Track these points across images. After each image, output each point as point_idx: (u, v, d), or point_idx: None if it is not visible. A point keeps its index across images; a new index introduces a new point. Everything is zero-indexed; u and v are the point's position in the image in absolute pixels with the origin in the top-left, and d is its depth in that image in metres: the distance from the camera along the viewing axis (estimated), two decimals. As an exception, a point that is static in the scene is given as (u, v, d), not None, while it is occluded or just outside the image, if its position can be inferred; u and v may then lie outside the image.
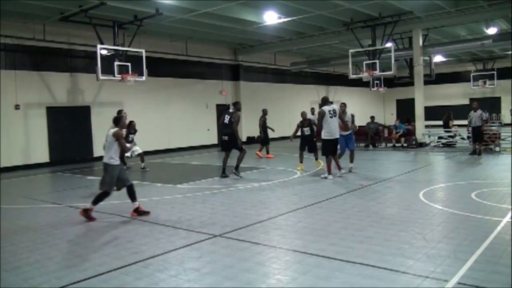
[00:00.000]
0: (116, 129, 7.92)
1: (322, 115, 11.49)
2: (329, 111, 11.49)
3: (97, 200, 7.98)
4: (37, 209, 9.37)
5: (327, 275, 4.77)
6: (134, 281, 4.84)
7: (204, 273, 5.00)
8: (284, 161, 16.23)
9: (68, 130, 18.37)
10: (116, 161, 7.88)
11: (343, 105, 13.10)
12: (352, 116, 13.20)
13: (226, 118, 12.46)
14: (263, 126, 18.23)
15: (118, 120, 8.07)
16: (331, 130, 11.50)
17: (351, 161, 12.77)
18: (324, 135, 11.59)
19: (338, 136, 11.76)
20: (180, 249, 5.93)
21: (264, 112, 18.42)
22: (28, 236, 6.95)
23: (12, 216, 8.65)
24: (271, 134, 18.85)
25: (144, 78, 16.55)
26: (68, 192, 11.42)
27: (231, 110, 12.93)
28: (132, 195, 8.18)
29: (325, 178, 11.62)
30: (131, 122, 14.41)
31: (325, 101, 11.87)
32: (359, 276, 4.69)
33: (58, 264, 5.53)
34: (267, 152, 17.89)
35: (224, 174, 12.53)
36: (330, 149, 11.68)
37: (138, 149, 14.84)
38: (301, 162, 13.76)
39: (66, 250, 6.11)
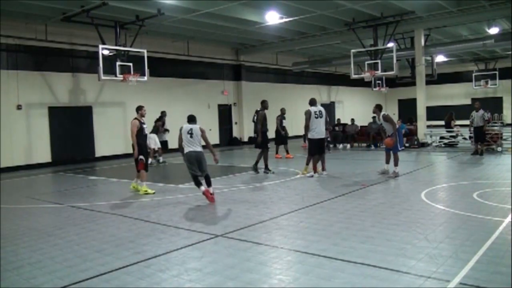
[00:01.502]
0: (198, 125, 9.27)
1: (308, 115, 11.92)
2: (315, 111, 11.91)
3: (200, 183, 9.15)
4: (39, 209, 9.38)
5: (328, 275, 4.77)
6: (136, 281, 4.84)
7: (206, 273, 5.00)
8: (286, 161, 16.21)
9: (70, 130, 18.40)
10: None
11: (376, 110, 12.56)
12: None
13: (254, 117, 13.33)
14: (280, 126, 17.65)
15: (193, 117, 9.49)
16: (316, 130, 11.90)
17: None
18: (310, 135, 12.01)
19: (323, 136, 12.19)
20: (182, 249, 5.93)
21: (282, 112, 17.96)
22: (30, 236, 6.96)
23: (14, 216, 8.66)
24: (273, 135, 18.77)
25: (145, 78, 16.57)
26: (70, 192, 11.43)
27: (258, 109, 13.36)
28: (208, 180, 9.27)
29: (311, 176, 11.98)
30: (162, 114, 16.33)
31: (312, 103, 12.22)
32: (361, 276, 4.69)
33: (59, 264, 5.53)
34: (287, 152, 17.55)
35: (265, 170, 13.05)
36: (316, 149, 12.08)
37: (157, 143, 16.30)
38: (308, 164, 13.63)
39: (68, 250, 6.11)
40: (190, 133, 9.12)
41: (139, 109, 10.65)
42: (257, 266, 5.16)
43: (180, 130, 9.30)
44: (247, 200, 9.20)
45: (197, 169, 9.09)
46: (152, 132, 16.40)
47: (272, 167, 13.65)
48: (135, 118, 10.49)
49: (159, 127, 16.85)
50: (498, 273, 4.65)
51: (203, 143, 9.25)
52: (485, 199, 8.37)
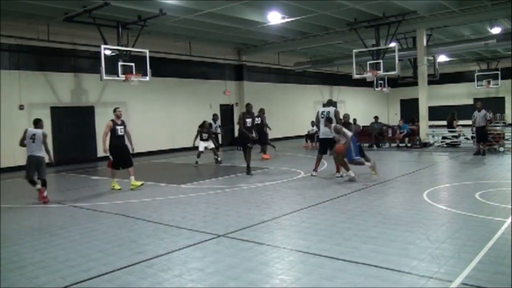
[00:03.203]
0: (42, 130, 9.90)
1: (316, 114, 12.37)
2: (322, 112, 12.12)
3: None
4: (42, 208, 9.40)
5: (330, 275, 4.77)
6: (138, 280, 4.85)
7: (207, 273, 5.00)
8: (288, 161, 16.22)
9: (72, 130, 18.43)
10: None
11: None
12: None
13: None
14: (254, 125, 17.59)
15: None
16: (322, 130, 12.19)
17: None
18: (319, 134, 12.53)
19: (325, 137, 12.11)
20: (183, 249, 5.94)
21: (263, 111, 18.12)
22: (32, 236, 6.98)
23: (17, 215, 8.69)
24: (276, 134, 18.78)
25: (148, 78, 16.59)
26: (72, 192, 11.45)
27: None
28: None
29: (311, 175, 12.23)
30: (204, 122, 16.61)
31: (325, 103, 12.62)
32: (363, 276, 4.69)
33: (62, 263, 5.54)
34: (264, 152, 17.62)
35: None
36: (321, 148, 12.40)
37: (210, 144, 16.46)
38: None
39: (70, 249, 6.12)
40: (33, 138, 9.89)
41: (114, 110, 11.25)
42: (259, 266, 5.17)
43: (25, 133, 10.14)
44: (249, 200, 9.20)
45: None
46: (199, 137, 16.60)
47: (273, 167, 13.64)
48: (111, 119, 11.07)
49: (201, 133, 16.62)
50: (500, 274, 4.65)
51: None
52: (487, 199, 8.36)
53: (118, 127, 10.91)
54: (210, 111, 23.47)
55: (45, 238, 6.79)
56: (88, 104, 19.10)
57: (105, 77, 15.43)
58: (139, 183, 11.12)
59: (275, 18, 18.21)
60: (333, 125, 11.59)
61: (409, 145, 19.92)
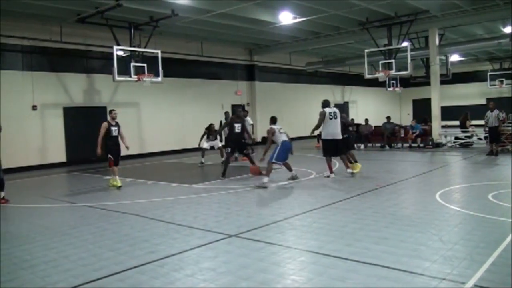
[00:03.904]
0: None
1: (323, 116, 11.88)
2: (330, 112, 11.88)
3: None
4: (54, 208, 9.48)
5: (342, 276, 4.75)
6: (150, 280, 4.87)
7: (219, 272, 5.01)
8: (299, 161, 16.18)
9: (85, 130, 18.51)
10: None
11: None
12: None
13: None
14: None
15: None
16: (330, 131, 11.89)
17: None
18: (324, 135, 12.05)
19: (338, 138, 11.94)
20: (195, 248, 5.96)
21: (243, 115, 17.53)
22: (44, 235, 7.04)
23: (29, 215, 8.77)
24: (290, 134, 18.63)
25: (160, 78, 16.66)
26: (84, 191, 11.54)
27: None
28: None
29: (328, 177, 11.96)
30: (210, 125, 16.83)
31: (326, 104, 12.18)
32: (375, 278, 4.67)
33: (74, 262, 5.58)
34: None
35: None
36: (329, 150, 12.06)
37: (217, 143, 16.78)
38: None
39: (82, 248, 6.16)
40: None
41: (110, 112, 11.93)
42: (270, 266, 5.17)
43: None
44: (261, 200, 9.21)
45: None
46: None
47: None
48: (106, 121, 11.70)
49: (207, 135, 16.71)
50: (514, 275, 4.61)
51: None
52: (500, 200, 8.28)
53: (113, 128, 11.60)
54: (222, 111, 23.52)
55: (57, 237, 6.84)
56: (100, 104, 19.20)
57: (117, 77, 15.53)
58: (119, 183, 11.71)
59: (286, 18, 18.20)
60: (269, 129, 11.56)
61: (421, 145, 19.81)
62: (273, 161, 11.21)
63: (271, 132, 11.35)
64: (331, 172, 12.07)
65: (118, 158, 11.86)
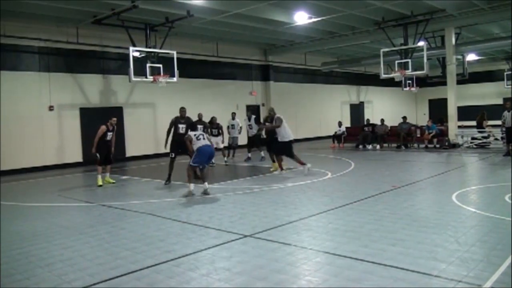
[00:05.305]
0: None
1: (281, 120, 13.11)
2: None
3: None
4: (71, 207, 9.59)
5: (358, 277, 4.74)
6: (166, 279, 4.90)
7: (235, 272, 5.03)
8: (315, 162, 16.13)
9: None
10: None
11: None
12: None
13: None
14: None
15: None
16: (288, 133, 13.17)
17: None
18: (285, 137, 13.09)
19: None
20: (211, 248, 5.98)
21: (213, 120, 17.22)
22: (61, 234, 7.12)
23: (47, 214, 8.87)
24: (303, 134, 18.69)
25: (175, 79, 16.74)
26: (101, 191, 11.65)
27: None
28: None
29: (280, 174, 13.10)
30: (212, 118, 16.95)
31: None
32: (391, 279, 4.64)
33: (90, 261, 5.64)
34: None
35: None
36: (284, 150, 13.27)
37: (219, 143, 16.75)
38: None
39: (99, 247, 6.22)
40: None
41: (109, 119, 12.89)
42: (286, 267, 5.17)
43: None
44: (276, 201, 9.20)
45: None
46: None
47: (300, 168, 13.60)
48: (105, 125, 12.66)
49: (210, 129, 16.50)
50: (532, 278, 4.55)
51: None
52: (518, 201, 8.19)
53: (109, 133, 12.67)
54: (237, 111, 23.56)
55: (74, 236, 6.92)
56: (117, 105, 19.37)
57: (133, 78, 15.64)
58: (112, 180, 12.97)
59: (302, 18, 18.18)
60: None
61: (437, 146, 19.63)
62: (192, 164, 10.49)
63: (189, 140, 10.66)
64: (282, 169, 13.38)
65: (109, 156, 12.86)
